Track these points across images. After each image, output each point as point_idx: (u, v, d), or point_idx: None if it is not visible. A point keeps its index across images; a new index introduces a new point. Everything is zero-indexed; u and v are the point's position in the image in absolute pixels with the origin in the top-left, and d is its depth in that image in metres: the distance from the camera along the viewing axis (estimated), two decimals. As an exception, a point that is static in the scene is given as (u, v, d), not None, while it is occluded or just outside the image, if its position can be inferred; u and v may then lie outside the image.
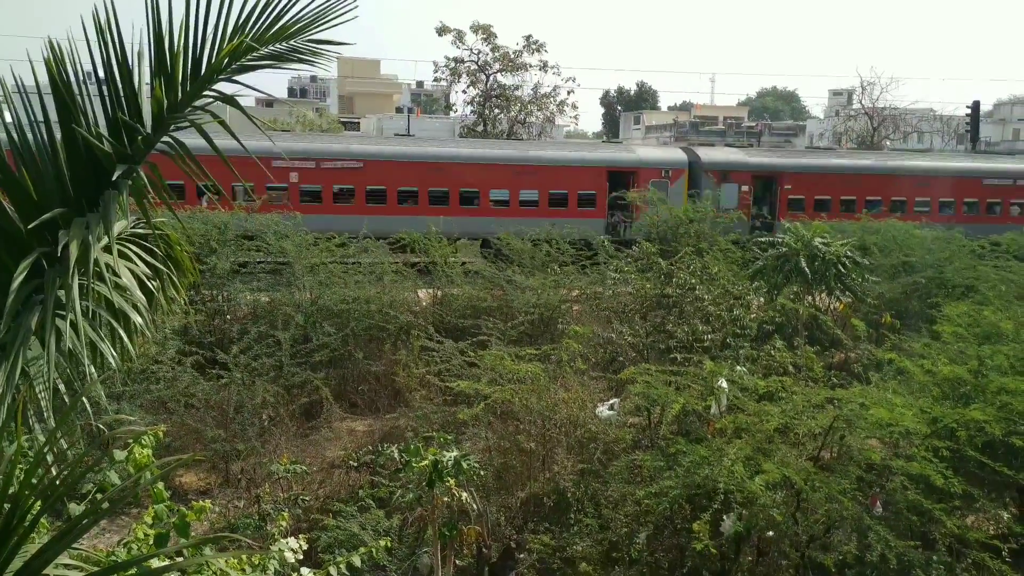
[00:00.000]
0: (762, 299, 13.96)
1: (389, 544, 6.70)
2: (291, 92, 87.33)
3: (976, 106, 45.18)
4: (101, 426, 4.35)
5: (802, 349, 10.35)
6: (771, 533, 7.55)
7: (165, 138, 3.78)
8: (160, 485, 4.82)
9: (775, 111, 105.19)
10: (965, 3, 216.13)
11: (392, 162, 24.76)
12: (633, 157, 27.60)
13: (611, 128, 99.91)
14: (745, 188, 27.42)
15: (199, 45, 3.78)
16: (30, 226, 3.37)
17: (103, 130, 3.68)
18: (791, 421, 7.73)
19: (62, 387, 3.48)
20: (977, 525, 7.93)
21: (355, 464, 9.44)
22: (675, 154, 28.49)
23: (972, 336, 9.98)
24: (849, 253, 14.47)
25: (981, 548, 6.83)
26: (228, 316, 13.75)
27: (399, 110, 72.88)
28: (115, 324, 3.62)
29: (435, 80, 47.96)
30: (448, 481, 7.06)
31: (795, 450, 7.61)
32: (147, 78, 3.75)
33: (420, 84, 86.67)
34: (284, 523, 6.21)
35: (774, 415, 7.73)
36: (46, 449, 2.91)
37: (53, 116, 3.63)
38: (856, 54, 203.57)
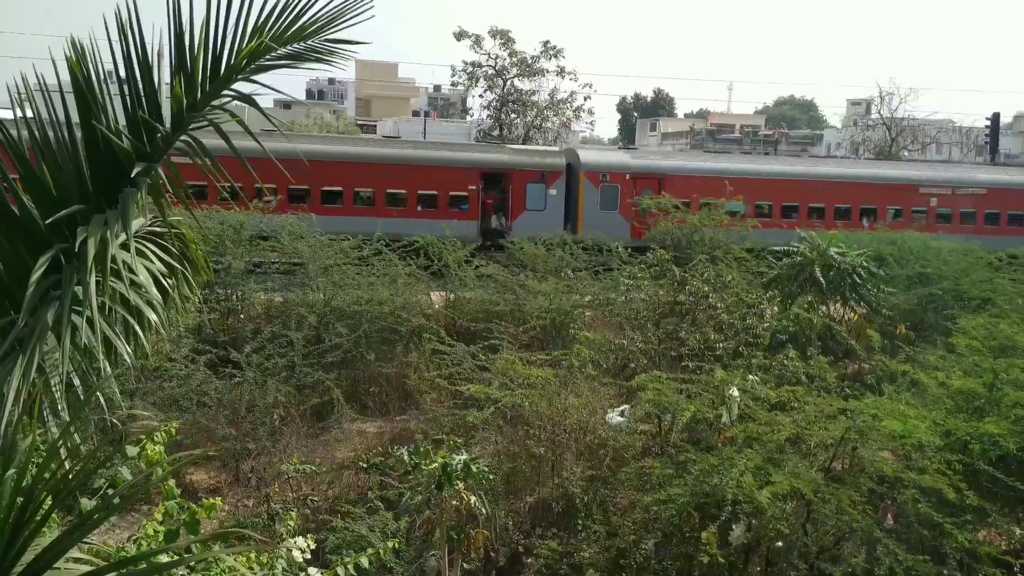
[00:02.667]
0: (776, 308, 13.90)
1: (397, 546, 6.71)
2: (309, 94, 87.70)
3: (996, 118, 44.84)
4: (115, 422, 4.38)
5: (815, 359, 10.28)
6: (780, 544, 7.50)
7: (183, 137, 3.82)
8: (171, 482, 4.86)
9: (792, 120, 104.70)
10: (986, 15, 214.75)
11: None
12: None
13: (627, 134, 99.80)
14: None
15: (219, 45, 3.81)
16: (49, 221, 3.40)
17: (123, 128, 3.71)
18: (803, 431, 7.69)
19: (77, 382, 3.51)
20: (989, 540, 7.85)
21: (365, 465, 9.46)
22: None
23: (987, 349, 9.89)
24: (864, 263, 14.38)
25: (993, 563, 6.77)
26: (242, 315, 13.83)
27: (416, 114, 73.15)
28: (131, 321, 3.65)
29: (452, 84, 48.14)
30: (457, 484, 7.07)
31: (806, 461, 7.57)
32: (167, 77, 3.79)
33: (437, 88, 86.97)
34: (292, 523, 6.24)
35: (786, 425, 7.69)
36: (59, 443, 2.93)
37: (74, 114, 3.67)
38: (875, 64, 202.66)
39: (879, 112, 52.15)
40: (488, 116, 42.95)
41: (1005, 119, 65.10)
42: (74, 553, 2.82)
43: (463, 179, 24.37)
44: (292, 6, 3.87)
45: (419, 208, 23.63)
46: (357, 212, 22.83)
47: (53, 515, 3.00)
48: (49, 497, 2.73)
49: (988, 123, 45.25)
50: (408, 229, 19.69)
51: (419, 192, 23.94)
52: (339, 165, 23.09)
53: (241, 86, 3.97)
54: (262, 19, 3.84)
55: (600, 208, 25.40)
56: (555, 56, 41.06)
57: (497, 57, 41.02)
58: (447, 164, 24.64)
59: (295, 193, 21.67)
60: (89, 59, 3.66)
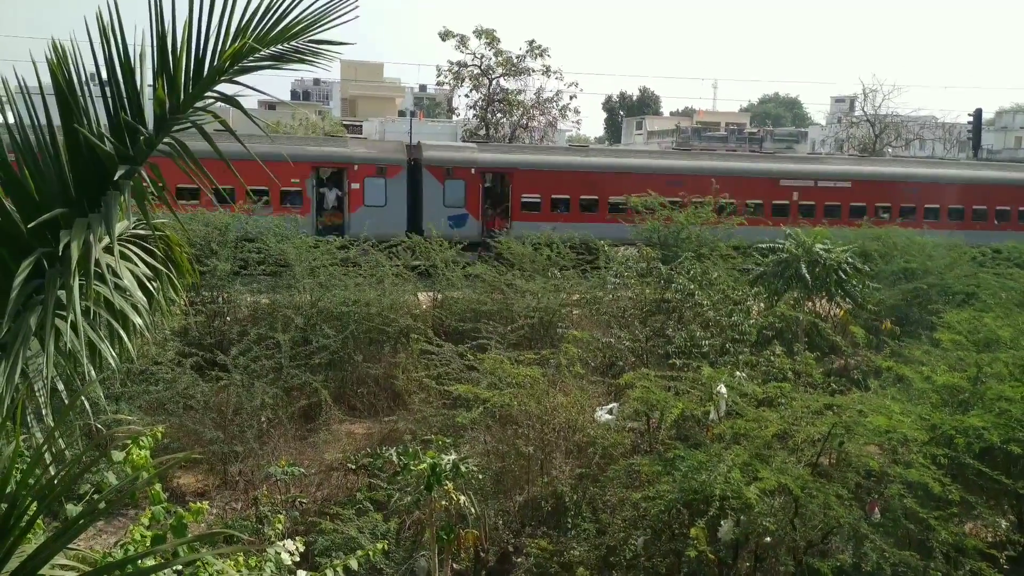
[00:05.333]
0: (762, 305, 13.96)
1: (386, 547, 6.70)
2: (294, 95, 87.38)
3: (978, 114, 45.26)
4: (99, 426, 4.35)
5: (801, 355, 10.33)
6: (769, 539, 7.54)
7: (166, 139, 3.80)
8: (157, 486, 4.83)
9: (777, 117, 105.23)
10: (968, 11, 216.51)
11: None
12: None
13: (613, 133, 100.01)
14: None
15: (201, 46, 3.79)
16: (31, 225, 3.38)
17: (105, 131, 3.69)
18: (790, 427, 7.73)
19: (61, 387, 3.49)
20: (975, 533, 7.92)
21: (353, 467, 9.44)
22: None
23: (971, 344, 9.97)
24: (850, 259, 14.47)
25: (979, 556, 6.83)
26: (228, 318, 13.75)
27: (402, 113, 72.97)
28: (115, 324, 3.63)
29: (438, 84, 48.09)
30: (446, 485, 7.06)
31: (793, 456, 7.61)
32: (149, 79, 3.77)
33: (423, 88, 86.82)
34: (281, 525, 6.22)
35: (773, 421, 7.72)
36: (44, 449, 2.92)
37: (56, 117, 3.65)
38: (858, 61, 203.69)
39: (863, 109, 52.52)
40: (474, 116, 42.90)
41: (987, 115, 65.72)
42: (60, 559, 2.81)
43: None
44: (275, 7, 3.85)
45: (996, 222, 28.83)
46: (935, 226, 26.40)
47: (38, 521, 2.98)
48: (34, 503, 2.71)
49: (971, 119, 45.64)
50: (980, 239, 22.69)
51: (996, 208, 29.33)
52: (938, 187, 28.97)
53: (225, 87, 3.95)
54: (245, 20, 3.83)
55: None
56: (540, 55, 41.06)
57: (482, 57, 40.97)
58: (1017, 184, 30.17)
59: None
60: (71, 61, 3.64)
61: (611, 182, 25.33)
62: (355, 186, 24.32)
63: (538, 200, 25.34)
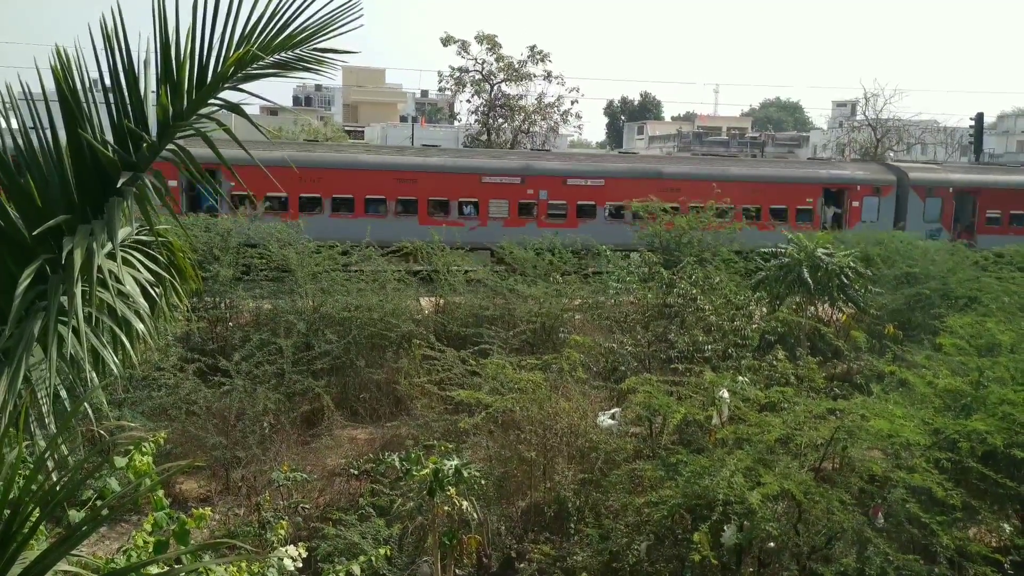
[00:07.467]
0: (764, 309, 13.94)
1: (389, 553, 6.70)
2: (296, 101, 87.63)
3: (980, 118, 45.16)
4: (102, 432, 4.34)
5: (804, 360, 10.32)
6: (772, 544, 7.52)
7: (170, 146, 3.80)
8: (160, 492, 4.83)
9: (778, 122, 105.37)
10: (969, 15, 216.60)
11: None
12: None
13: (615, 138, 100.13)
14: None
15: (205, 53, 3.80)
16: (35, 232, 3.38)
17: (108, 137, 3.70)
18: (792, 432, 7.71)
19: (64, 393, 3.49)
20: (979, 537, 7.90)
21: (356, 472, 9.44)
22: None
23: (974, 348, 9.95)
24: (852, 264, 14.45)
25: (983, 561, 6.80)
26: (230, 323, 13.76)
27: (403, 119, 73.14)
28: (117, 331, 3.63)
29: (439, 89, 48.12)
30: (449, 490, 7.06)
31: (796, 461, 7.60)
32: (153, 86, 3.78)
33: (425, 93, 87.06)
34: (283, 531, 6.22)
35: (775, 426, 7.71)
36: (47, 455, 2.92)
37: (59, 123, 3.66)
38: (860, 65, 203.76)
39: (864, 113, 52.39)
40: (476, 121, 42.96)
41: (989, 119, 65.71)
42: (62, 566, 2.81)
43: None
44: (280, 15, 3.86)
45: None
46: None
47: (41, 528, 2.98)
48: (36, 509, 2.71)
49: (972, 123, 45.61)
50: None
51: None
52: None
53: (228, 94, 3.96)
54: (249, 27, 3.84)
55: None
56: (542, 60, 41.11)
57: (484, 62, 41.04)
58: None
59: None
60: (75, 68, 3.65)
61: None
62: (855, 204, 27.50)
63: (999, 216, 28.34)
